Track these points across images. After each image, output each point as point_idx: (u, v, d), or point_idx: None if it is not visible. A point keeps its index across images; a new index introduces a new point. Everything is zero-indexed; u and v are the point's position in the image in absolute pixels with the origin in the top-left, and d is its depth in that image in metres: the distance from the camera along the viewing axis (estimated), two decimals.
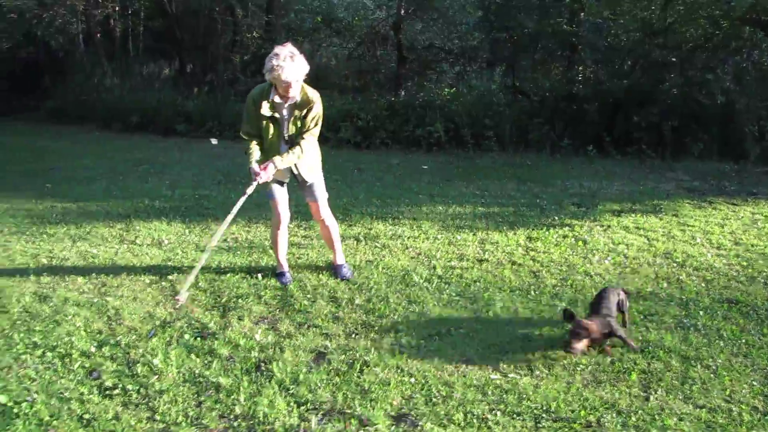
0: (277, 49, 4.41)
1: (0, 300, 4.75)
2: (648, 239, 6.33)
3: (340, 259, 5.35)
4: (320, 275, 5.26)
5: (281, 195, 5.07)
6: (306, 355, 3.92)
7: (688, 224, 6.88)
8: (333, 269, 5.32)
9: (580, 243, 6.17)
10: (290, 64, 4.37)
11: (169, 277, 5.24)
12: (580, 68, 13.60)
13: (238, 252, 5.91)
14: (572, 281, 5.16)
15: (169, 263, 5.61)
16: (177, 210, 7.57)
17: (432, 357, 3.89)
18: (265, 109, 4.66)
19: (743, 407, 3.40)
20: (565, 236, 6.39)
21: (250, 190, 4.80)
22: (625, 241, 6.26)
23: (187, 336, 4.15)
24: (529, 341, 4.11)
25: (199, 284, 5.06)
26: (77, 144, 13.51)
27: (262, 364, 3.79)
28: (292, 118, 4.74)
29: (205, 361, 3.83)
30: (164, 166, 10.78)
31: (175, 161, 11.26)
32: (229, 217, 4.90)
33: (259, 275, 5.25)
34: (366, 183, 9.11)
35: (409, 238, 6.28)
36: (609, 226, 6.76)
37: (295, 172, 4.98)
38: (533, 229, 6.57)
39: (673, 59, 11.94)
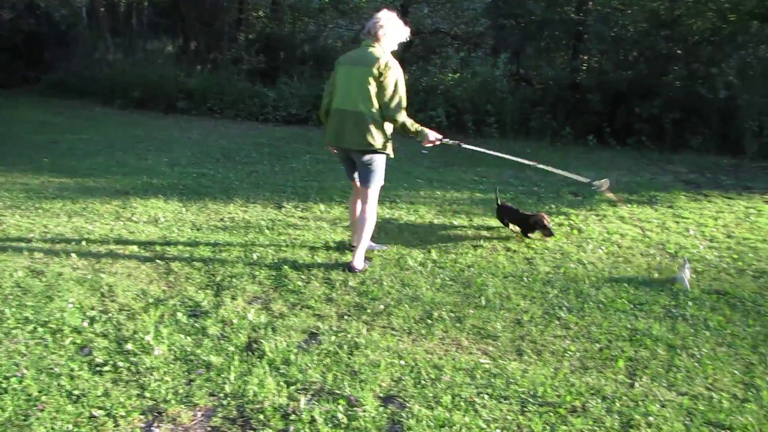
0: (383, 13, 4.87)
1: None
2: (642, 230, 6.36)
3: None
4: (315, 256, 5.30)
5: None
6: (298, 336, 3.95)
7: (683, 216, 6.92)
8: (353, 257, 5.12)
9: (575, 231, 6.20)
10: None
11: (165, 255, 5.26)
12: (585, 58, 13.55)
13: (234, 231, 5.93)
14: (565, 269, 5.19)
15: (165, 241, 5.63)
16: (175, 188, 7.59)
17: (423, 340, 3.93)
18: None
19: (723, 395, 3.44)
20: (560, 224, 6.42)
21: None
22: (620, 230, 6.29)
23: (179, 314, 4.17)
24: (520, 326, 4.14)
25: (193, 263, 5.09)
26: (77, 119, 13.50)
27: (254, 344, 3.82)
28: None
29: (197, 340, 3.86)
30: (164, 143, 10.79)
31: (175, 139, 11.27)
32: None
33: (255, 255, 5.28)
34: None
35: (405, 222, 6.31)
36: (605, 216, 6.79)
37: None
38: None
39: (678, 52, 11.90)
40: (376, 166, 4.93)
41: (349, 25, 19.87)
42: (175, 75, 15.69)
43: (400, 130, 4.88)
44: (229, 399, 3.28)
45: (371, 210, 5.00)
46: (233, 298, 4.47)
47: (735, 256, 5.68)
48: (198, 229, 5.99)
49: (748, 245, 6.02)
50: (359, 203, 5.15)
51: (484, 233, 6.05)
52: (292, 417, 3.12)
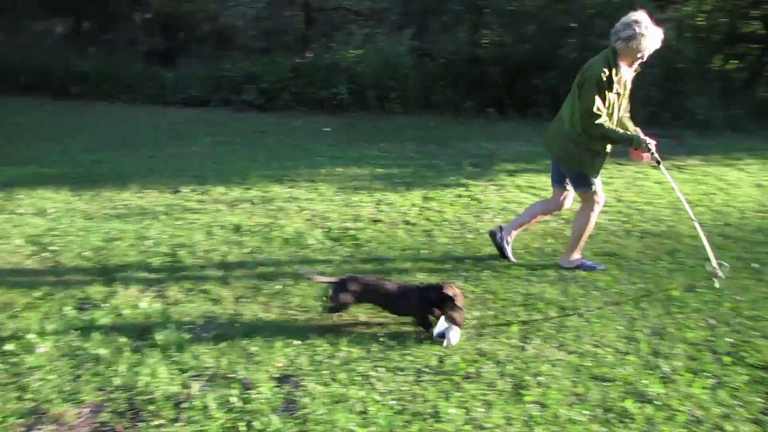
0: (637, 16, 4.28)
1: None
2: (539, 197, 6.54)
3: (574, 254, 4.84)
4: (212, 239, 5.18)
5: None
6: (192, 321, 3.86)
7: None
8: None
9: (474, 202, 6.33)
10: (652, 32, 4.24)
11: (53, 247, 5.01)
12: (485, 32, 13.75)
13: (129, 219, 5.73)
14: (463, 239, 5.30)
15: (54, 233, 5.36)
16: (66, 177, 7.23)
17: (319, 318, 3.91)
18: (617, 81, 4.39)
19: (608, 350, 3.61)
20: (459, 196, 6.54)
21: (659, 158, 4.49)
22: (517, 199, 6.47)
23: (67, 308, 3.99)
24: None
25: (84, 254, 4.88)
26: None
27: (146, 333, 3.70)
28: (627, 91, 4.53)
29: (85, 333, 3.69)
30: (55, 130, 10.27)
31: (68, 126, 10.75)
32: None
33: (150, 242, 5.12)
34: (266, 146, 9.00)
35: (305, 200, 6.27)
36: (503, 186, 6.97)
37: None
38: (430, 190, 6.69)
39: (573, 25, 12.23)
40: (571, 176, 4.70)
41: (252, 3, 19.39)
42: (66, 58, 14.89)
43: (606, 140, 4.52)
44: (118, 392, 3.16)
45: (582, 219, 4.78)
46: (126, 287, 4.31)
47: (623, 219, 5.96)
48: (90, 219, 5.75)
49: (635, 208, 6.32)
50: (545, 204, 5.04)
51: (384, 208, 6.08)
52: (185, 404, 3.05)
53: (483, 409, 3.04)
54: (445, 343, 3.63)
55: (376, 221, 5.70)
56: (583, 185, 4.64)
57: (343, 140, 9.40)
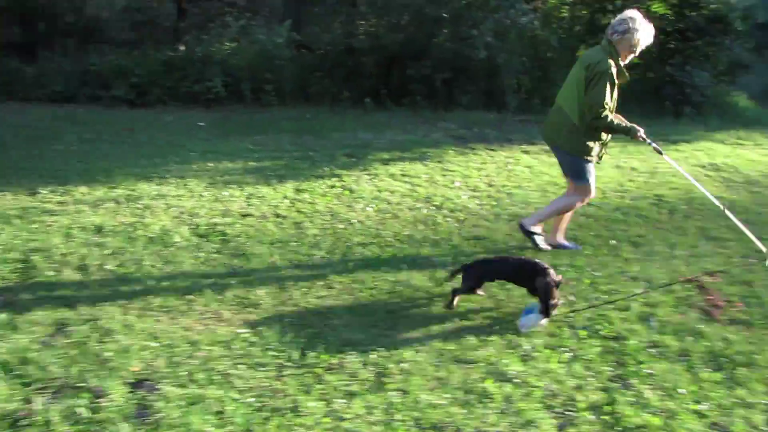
0: (631, 13, 4.61)
1: None
2: (412, 185, 6.67)
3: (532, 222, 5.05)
4: (72, 242, 4.89)
5: None
6: (43, 330, 3.61)
7: (450, 169, 7.36)
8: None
9: (346, 192, 6.34)
10: (644, 28, 4.58)
11: None
12: (361, 23, 13.79)
13: None
14: (333, 230, 5.29)
15: None
16: None
17: (181, 317, 3.79)
18: (617, 73, 4.65)
19: (472, 333, 3.70)
20: (332, 186, 6.53)
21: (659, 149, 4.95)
22: (390, 188, 6.54)
23: None
24: (284, 291, 4.16)
25: None
26: None
27: None
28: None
29: None
30: None
31: None
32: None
33: (0, 248, 4.76)
34: (135, 143, 8.60)
35: (173, 197, 6.05)
36: (377, 175, 7.02)
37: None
38: (302, 182, 6.65)
39: (445, 15, 12.46)
40: (570, 167, 4.95)
41: None
42: None
43: (609, 131, 4.84)
44: None
45: (566, 200, 5.07)
46: None
47: (493, 203, 6.16)
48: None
49: (505, 192, 6.55)
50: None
51: (255, 202, 5.98)
52: (23, 422, 2.83)
53: (344, 400, 3.03)
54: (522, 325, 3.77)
55: (245, 215, 5.59)
56: (579, 177, 4.91)
57: (218, 134, 9.15)
